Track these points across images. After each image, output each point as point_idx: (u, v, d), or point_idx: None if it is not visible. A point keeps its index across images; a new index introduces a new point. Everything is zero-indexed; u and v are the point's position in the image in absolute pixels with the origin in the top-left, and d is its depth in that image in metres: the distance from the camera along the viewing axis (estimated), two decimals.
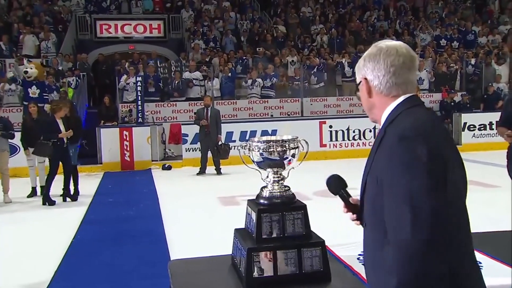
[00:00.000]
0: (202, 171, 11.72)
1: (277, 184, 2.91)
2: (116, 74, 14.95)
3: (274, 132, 12.23)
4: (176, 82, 14.94)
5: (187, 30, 18.51)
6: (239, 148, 2.96)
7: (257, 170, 2.98)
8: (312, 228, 2.91)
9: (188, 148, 13.07)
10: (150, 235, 6.65)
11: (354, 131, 13.75)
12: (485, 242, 4.61)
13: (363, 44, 17.24)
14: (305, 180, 8.01)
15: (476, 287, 1.63)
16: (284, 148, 2.84)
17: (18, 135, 9.54)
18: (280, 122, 13.76)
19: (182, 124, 13.33)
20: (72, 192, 9.14)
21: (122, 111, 14.22)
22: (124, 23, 18.79)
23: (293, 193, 2.93)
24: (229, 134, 12.82)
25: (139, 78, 13.74)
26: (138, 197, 9.40)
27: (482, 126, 14.40)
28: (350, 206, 1.95)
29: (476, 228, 1.65)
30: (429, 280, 1.49)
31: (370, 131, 13.62)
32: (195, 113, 12.20)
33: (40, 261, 5.66)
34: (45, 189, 8.78)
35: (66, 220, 7.61)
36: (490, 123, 14.11)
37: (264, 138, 2.93)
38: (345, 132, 13.76)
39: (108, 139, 12.71)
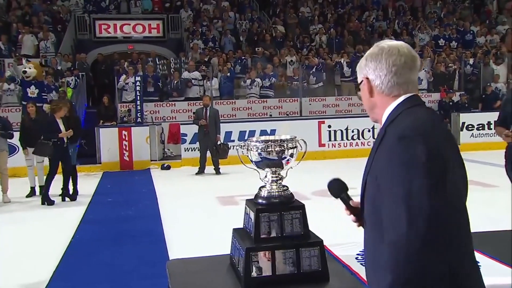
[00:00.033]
0: (201, 171, 11.72)
1: (275, 183, 2.91)
2: (115, 74, 14.97)
3: (273, 132, 12.23)
4: (175, 82, 14.94)
5: (186, 30, 18.52)
6: (237, 148, 2.97)
7: (255, 170, 2.98)
8: (311, 228, 2.92)
9: (187, 148, 13.08)
10: (149, 235, 6.65)
11: (352, 131, 13.76)
12: (484, 242, 4.62)
13: (361, 44, 17.28)
14: (304, 180, 8.03)
15: (476, 287, 1.63)
16: (283, 148, 2.85)
17: (17, 135, 9.53)
18: (279, 122, 13.76)
19: (181, 124, 13.34)
20: (71, 192, 9.14)
21: (121, 111, 14.22)
22: (123, 23, 18.78)
23: (291, 193, 2.93)
24: (228, 134, 12.82)
25: (138, 78, 13.75)
26: (137, 197, 9.40)
27: (481, 126, 14.44)
28: (351, 209, 1.97)
29: (474, 227, 1.65)
30: (424, 279, 1.49)
31: (369, 131, 13.63)
32: (194, 113, 12.21)
33: (39, 261, 5.66)
34: (45, 188, 8.78)
35: (65, 220, 7.61)
36: (489, 123, 14.14)
37: (263, 137, 2.93)
38: (344, 132, 13.78)
39: (107, 139, 12.71)
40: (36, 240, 6.63)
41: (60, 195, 8.99)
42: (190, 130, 12.67)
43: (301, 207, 2.87)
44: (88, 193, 9.56)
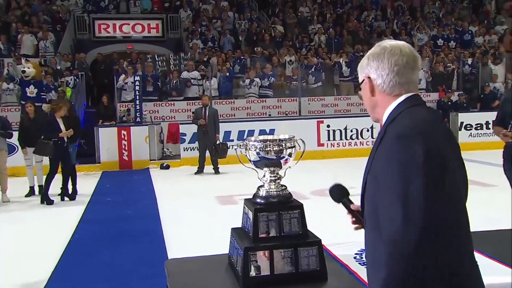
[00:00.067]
0: (200, 171, 11.73)
1: (274, 183, 2.91)
2: (115, 73, 14.97)
3: (272, 132, 12.23)
4: (174, 81, 14.94)
5: (185, 29, 18.53)
6: (235, 147, 2.97)
7: (254, 169, 2.98)
8: (309, 227, 2.92)
9: (186, 148, 13.09)
10: (148, 235, 6.65)
11: (351, 131, 13.78)
12: (482, 241, 4.63)
13: (360, 44, 17.30)
14: (303, 180, 8.04)
15: (476, 287, 1.64)
16: (281, 148, 2.84)
17: (16, 134, 9.54)
18: (278, 121, 13.77)
19: (180, 124, 13.35)
20: (70, 191, 9.15)
21: (120, 110, 14.22)
22: (123, 22, 18.77)
23: (289, 192, 2.93)
24: (227, 134, 12.83)
25: (137, 78, 13.75)
26: (136, 197, 9.41)
27: (479, 125, 14.47)
28: (352, 213, 2.01)
29: (473, 227, 1.66)
30: (420, 277, 1.50)
31: (368, 130, 13.66)
32: (193, 112, 12.22)
33: (38, 261, 5.66)
34: (44, 188, 8.79)
35: (64, 219, 7.62)
36: (487, 123, 14.16)
37: (261, 137, 2.92)
38: (343, 131, 13.80)
39: (106, 138, 12.73)
40: (35, 239, 6.64)
41: (59, 194, 9.00)
42: (189, 129, 12.68)
43: (300, 206, 2.87)
44: (87, 193, 9.57)
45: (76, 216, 7.72)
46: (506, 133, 5.09)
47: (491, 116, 10.93)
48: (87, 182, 10.64)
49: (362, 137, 13.75)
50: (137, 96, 13.58)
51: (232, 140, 12.62)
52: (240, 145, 2.93)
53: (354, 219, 2.00)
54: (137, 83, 13.59)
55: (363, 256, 4.47)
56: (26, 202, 9.14)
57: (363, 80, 1.84)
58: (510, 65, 16.43)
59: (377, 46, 1.81)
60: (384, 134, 1.68)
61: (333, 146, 13.75)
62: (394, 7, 21.25)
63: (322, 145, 13.65)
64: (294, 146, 2.90)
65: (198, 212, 7.88)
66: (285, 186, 2.95)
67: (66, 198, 9.02)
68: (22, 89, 13.03)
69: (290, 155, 2.88)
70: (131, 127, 13.02)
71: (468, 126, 14.47)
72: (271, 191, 2.89)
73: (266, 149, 2.83)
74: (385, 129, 1.70)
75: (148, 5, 19.71)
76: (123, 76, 14.58)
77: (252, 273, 2.73)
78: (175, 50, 18.17)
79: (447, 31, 19.11)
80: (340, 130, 13.78)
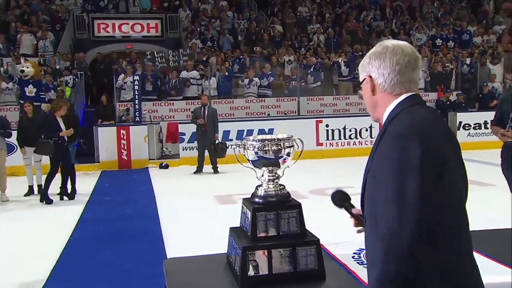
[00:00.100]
0: (199, 170, 11.75)
1: (272, 183, 2.91)
2: (114, 73, 14.96)
3: (271, 131, 12.23)
4: (173, 81, 14.95)
5: (184, 29, 18.52)
6: (233, 147, 2.96)
7: (252, 169, 2.98)
8: (308, 227, 2.92)
9: (185, 147, 13.10)
10: (147, 234, 6.66)
11: (350, 130, 13.81)
12: (480, 241, 4.64)
13: (359, 44, 17.33)
14: (302, 179, 8.05)
15: (476, 287, 1.65)
16: (279, 147, 2.84)
17: (15, 133, 9.54)
18: (277, 121, 13.79)
19: (179, 123, 13.37)
20: (69, 190, 9.16)
21: (119, 110, 14.22)
22: (122, 22, 18.75)
23: (288, 192, 2.93)
24: (226, 133, 12.84)
25: (136, 77, 13.76)
26: (135, 196, 9.42)
27: (477, 125, 14.52)
28: (355, 217, 2.05)
29: (471, 226, 1.68)
30: (410, 277, 1.50)
31: (367, 130, 13.68)
32: (192, 112, 12.24)
33: (37, 260, 5.67)
34: (44, 187, 8.79)
35: (63, 219, 7.62)
36: (485, 122, 14.19)
37: (259, 137, 2.92)
38: (342, 131, 13.82)
39: (106, 138, 12.73)
40: (34, 239, 6.64)
41: (58, 194, 9.00)
42: (188, 129, 12.70)
43: (298, 206, 2.87)
44: (86, 192, 9.57)
45: (75, 216, 7.73)
46: (504, 133, 5.11)
47: (490, 115, 10.93)
48: (86, 181, 10.64)
49: (361, 136, 13.77)
50: (136, 96, 13.59)
51: (231, 140, 12.63)
52: (239, 145, 2.93)
53: (356, 221, 2.03)
54: (136, 82, 13.60)
55: (362, 255, 4.48)
56: (25, 201, 9.14)
57: (364, 79, 1.84)
58: (508, 65, 16.45)
59: (379, 46, 1.82)
60: (384, 133, 1.69)
61: (332, 146, 13.77)
62: (393, 7, 21.27)
63: (321, 144, 13.68)
64: (292, 146, 2.90)
65: (197, 212, 7.89)
66: (283, 185, 2.95)
67: (65, 198, 9.03)
68: (21, 88, 13.04)
69: (288, 154, 2.88)
70: (130, 127, 13.03)
71: (466, 125, 14.51)
72: (270, 191, 2.89)
73: (265, 149, 2.83)
74: (384, 128, 1.71)
75: (147, 5, 19.70)
76: (122, 75, 14.58)
77: (251, 272, 2.73)
78: (174, 49, 18.14)
79: (445, 31, 19.14)
80: (339, 130, 13.81)
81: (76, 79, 14.79)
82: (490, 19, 20.93)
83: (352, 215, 2.07)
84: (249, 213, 2.85)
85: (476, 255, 1.70)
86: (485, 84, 15.89)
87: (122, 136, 12.74)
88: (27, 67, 12.84)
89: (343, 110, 15.26)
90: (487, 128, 14.00)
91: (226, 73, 15.26)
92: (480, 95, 15.90)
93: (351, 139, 13.81)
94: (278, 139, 2.87)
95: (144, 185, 10.52)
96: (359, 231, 2.02)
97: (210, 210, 8.00)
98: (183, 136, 13.09)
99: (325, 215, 5.13)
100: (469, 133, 14.47)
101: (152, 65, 15.03)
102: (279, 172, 2.95)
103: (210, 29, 18.14)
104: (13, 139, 9.75)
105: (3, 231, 7.10)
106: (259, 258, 2.74)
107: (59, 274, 5.21)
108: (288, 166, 2.96)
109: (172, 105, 14.59)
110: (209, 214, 7.72)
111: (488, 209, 6.78)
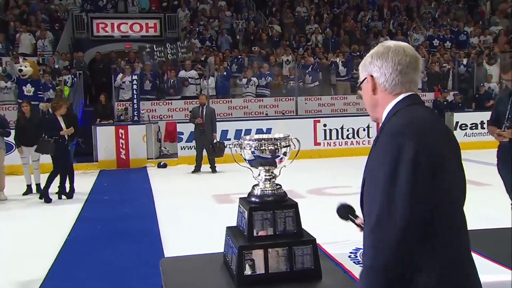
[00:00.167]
0: (197, 169, 11.77)
1: (268, 182, 2.92)
2: (112, 72, 14.95)
3: (268, 131, 12.28)
4: (172, 80, 14.97)
5: (183, 29, 18.52)
6: (230, 146, 2.96)
7: (249, 168, 2.99)
8: (305, 226, 2.93)
9: (183, 146, 13.12)
10: (145, 233, 6.68)
11: (348, 130, 13.82)
12: (476, 240, 4.66)
13: (357, 44, 17.36)
14: (300, 178, 8.10)
15: (474, 286, 1.67)
16: (276, 147, 2.85)
17: (13, 133, 9.55)
18: (275, 120, 13.82)
19: (178, 123, 13.38)
20: (67, 190, 9.17)
21: (118, 109, 14.23)
22: (121, 22, 18.75)
23: (284, 191, 2.94)
24: (224, 133, 12.87)
25: (135, 77, 13.76)
26: (134, 195, 9.43)
27: (474, 125, 14.55)
28: (360, 226, 2.11)
29: (468, 226, 1.72)
30: (398, 272, 1.53)
31: (364, 130, 13.70)
32: (190, 111, 12.25)
33: (35, 259, 5.68)
34: (45, 185, 8.78)
35: (62, 218, 7.63)
36: (482, 122, 14.25)
37: (256, 136, 2.92)
38: (339, 130, 13.84)
39: (104, 137, 12.75)
40: (32, 237, 6.66)
41: (56, 193, 9.00)
42: (187, 128, 12.71)
43: (294, 205, 2.88)
44: (85, 191, 9.59)
45: (73, 215, 7.74)
46: (500, 133, 5.14)
47: (486, 115, 10.99)
48: (84, 180, 10.65)
49: (358, 136, 13.79)
50: (135, 95, 13.60)
51: (229, 139, 12.62)
52: (235, 144, 2.93)
53: (361, 229, 2.06)
54: (134, 82, 13.62)
55: (358, 254, 4.52)
56: (24, 200, 9.15)
57: (365, 78, 1.86)
58: (504, 65, 16.48)
59: (381, 46, 1.84)
60: (381, 132, 1.71)
61: (330, 145, 13.79)
62: (391, 7, 21.29)
63: (319, 144, 13.70)
64: (289, 145, 2.91)
65: (195, 211, 7.90)
66: (280, 185, 2.96)
67: (63, 197, 9.04)
68: (19, 87, 13.05)
69: (285, 154, 2.89)
70: (128, 126, 13.05)
71: (463, 125, 14.54)
72: (266, 190, 2.90)
73: (261, 148, 2.84)
74: (382, 127, 1.73)
75: (146, 5, 19.69)
76: (121, 75, 14.59)
77: (247, 271, 2.74)
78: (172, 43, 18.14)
79: (442, 32, 19.17)
80: (337, 130, 13.82)
81: (75, 79, 14.79)
82: (486, 20, 20.96)
83: (357, 225, 2.14)
84: (245, 213, 2.86)
85: (472, 254, 1.72)
86: (481, 84, 15.92)
87: (120, 135, 12.76)
88: (25, 66, 12.85)
89: (341, 110, 15.27)
90: (484, 128, 14.05)
91: (225, 73, 15.27)
92: (477, 95, 15.94)
93: (349, 138, 13.84)
94: (274, 138, 2.88)
95: (142, 184, 10.53)
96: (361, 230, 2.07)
97: (208, 209, 8.02)
98: (181, 136, 13.11)
99: (323, 215, 5.16)
100: (466, 133, 14.50)
101: (150, 59, 14.92)
102: (276, 171, 2.96)
103: (208, 29, 18.15)
104: (12, 138, 9.75)
105: (2, 230, 7.10)
106: (255, 257, 2.75)
107: (57, 273, 5.22)
108: (284, 166, 2.97)
109: (171, 105, 14.60)
110: (207, 213, 7.73)
111: (485, 208, 6.81)
